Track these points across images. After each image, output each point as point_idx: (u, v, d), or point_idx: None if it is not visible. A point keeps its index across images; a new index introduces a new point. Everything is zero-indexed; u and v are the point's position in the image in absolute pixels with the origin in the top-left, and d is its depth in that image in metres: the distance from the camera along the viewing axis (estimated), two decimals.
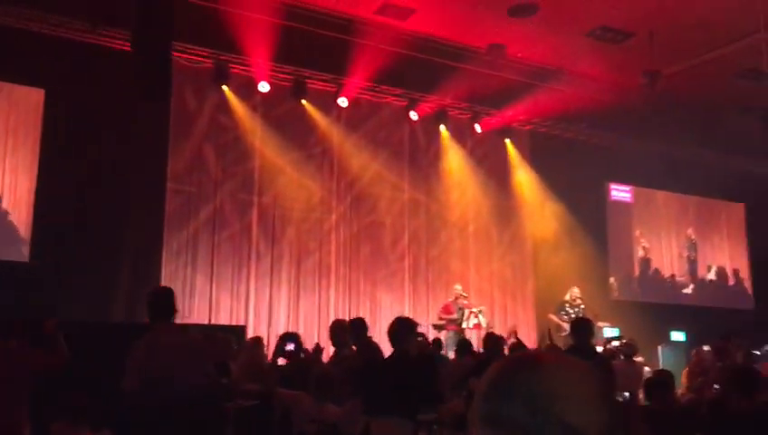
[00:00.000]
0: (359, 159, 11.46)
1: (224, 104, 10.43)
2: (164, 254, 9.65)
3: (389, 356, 5.11)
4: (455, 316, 10.40)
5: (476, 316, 10.33)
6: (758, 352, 9.96)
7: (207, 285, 9.98)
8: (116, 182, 9.05)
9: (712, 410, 4.88)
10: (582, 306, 11.41)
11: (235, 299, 10.18)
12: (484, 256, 12.35)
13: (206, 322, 9.53)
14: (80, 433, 4.26)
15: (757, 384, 4.39)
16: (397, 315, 10.96)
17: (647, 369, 8.97)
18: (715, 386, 7.02)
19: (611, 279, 13.53)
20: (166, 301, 4.18)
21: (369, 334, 6.64)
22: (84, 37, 9.32)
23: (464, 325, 10.31)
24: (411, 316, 11.24)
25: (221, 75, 10.25)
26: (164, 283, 9.55)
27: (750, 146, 12.17)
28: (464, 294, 10.71)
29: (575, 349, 5.65)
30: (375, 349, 6.45)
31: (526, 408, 0.91)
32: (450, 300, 10.75)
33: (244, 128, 10.52)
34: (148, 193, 9.45)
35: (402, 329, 4.83)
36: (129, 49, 8.21)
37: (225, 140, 10.49)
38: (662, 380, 4.82)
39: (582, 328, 5.92)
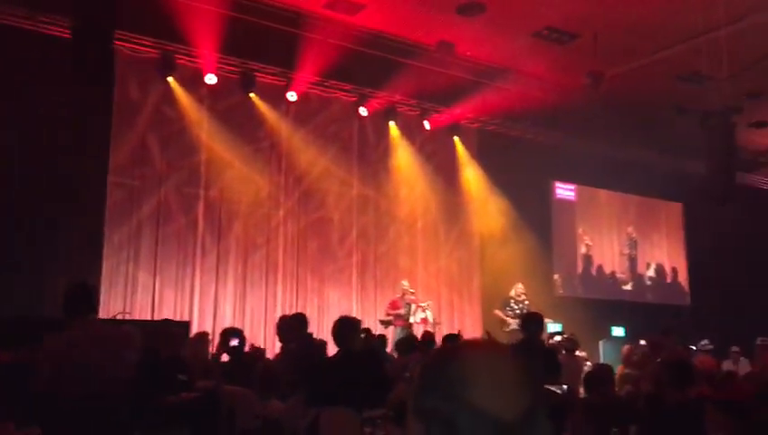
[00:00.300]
0: (307, 154, 11.38)
1: (169, 96, 10.21)
2: (105, 248, 9.41)
3: (334, 355, 5.10)
4: (402, 312, 10.45)
5: (423, 311, 10.41)
6: (694, 347, 10.30)
7: (150, 280, 9.77)
8: (56, 174, 8.78)
9: (648, 404, 5.02)
10: (527, 302, 11.60)
11: (180, 294, 10.00)
12: (432, 252, 12.44)
13: (148, 318, 9.34)
14: (5, 430, 4.12)
15: (690, 378, 4.53)
16: (344, 312, 11.00)
17: (588, 363, 9.18)
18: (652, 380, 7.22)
19: (555, 276, 13.80)
20: (83, 296, 4.07)
21: (310, 330, 6.63)
22: (23, 23, 8.99)
23: (411, 320, 10.37)
24: (359, 312, 11.40)
25: (166, 66, 10.04)
26: (105, 278, 9.34)
27: (688, 147, 12.56)
28: (411, 289, 10.76)
29: (525, 342, 5.74)
30: (316, 345, 6.45)
31: (443, 397, 0.91)
32: (397, 296, 10.80)
33: (190, 120, 10.33)
34: (88, 185, 9.21)
35: (345, 328, 4.85)
36: (69, 36, 7.96)
37: (170, 132, 10.27)
38: (601, 373, 4.94)
39: (533, 322, 6.01)
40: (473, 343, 1.01)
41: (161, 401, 4.60)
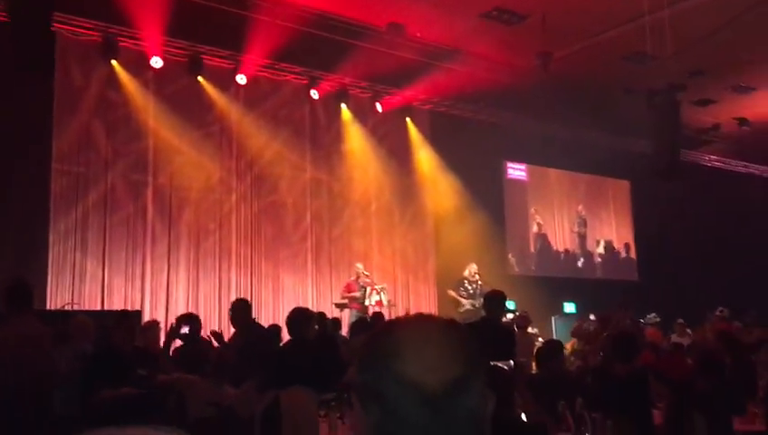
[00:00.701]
0: (258, 138, 11.25)
1: (113, 80, 9.96)
2: (50, 237, 9.17)
3: (288, 343, 5.11)
4: (357, 294, 10.45)
5: (378, 293, 10.43)
6: (643, 320, 10.60)
7: (99, 268, 9.57)
8: None
9: (595, 376, 5.16)
10: (480, 282, 11.74)
11: (130, 283, 9.82)
12: (386, 234, 12.47)
13: (97, 307, 9.16)
14: None
15: (636, 350, 4.67)
16: (299, 296, 11.00)
17: (540, 339, 9.36)
18: (601, 354, 7.42)
19: (509, 255, 13.98)
20: (19, 294, 4.05)
21: (266, 316, 6.63)
22: None
23: (366, 303, 10.39)
24: (314, 296, 11.38)
25: (109, 49, 9.77)
26: (51, 267, 9.12)
27: (635, 126, 12.83)
28: (365, 272, 10.77)
29: (486, 320, 5.81)
30: (263, 332, 6.46)
31: (374, 371, 0.92)
32: (352, 279, 10.81)
33: (136, 105, 10.09)
34: (31, 173, 8.94)
35: (298, 319, 4.86)
36: (6, 20, 7.68)
37: (115, 117, 10.03)
38: (549, 349, 5.05)
39: (494, 301, 6.07)
40: (408, 318, 1.02)
41: (105, 396, 4.53)
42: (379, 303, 10.38)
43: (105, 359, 4.67)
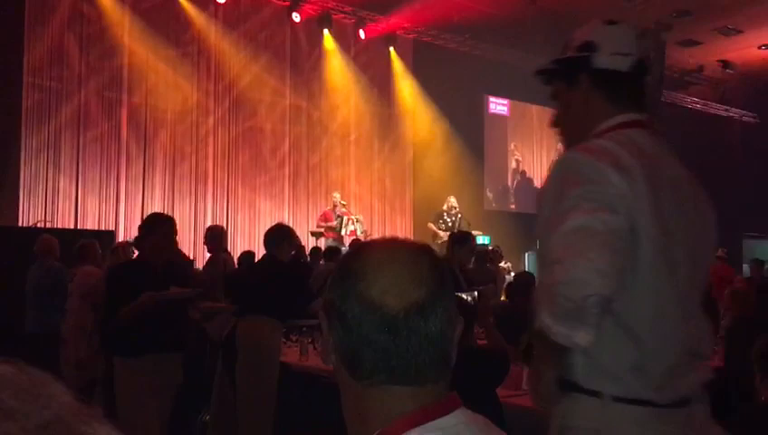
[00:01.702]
0: (238, 60, 11.01)
1: None
2: (22, 153, 8.99)
3: (258, 261, 5.09)
4: (333, 224, 10.46)
5: (354, 223, 10.45)
6: None
7: (72, 187, 9.44)
8: None
9: None
10: (459, 216, 11.81)
11: (104, 203, 9.72)
12: (365, 164, 12.42)
13: (71, 226, 9.09)
14: None
15: None
16: (276, 223, 10.96)
17: (512, 274, 9.50)
18: None
19: (487, 190, 14.04)
20: None
21: (241, 241, 6.62)
22: None
23: (342, 232, 10.42)
24: (291, 223, 11.32)
25: None
26: (23, 184, 8.98)
27: None
28: (342, 202, 10.76)
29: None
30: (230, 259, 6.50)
31: (341, 290, 0.92)
32: (329, 208, 10.79)
33: (111, 20, 9.76)
34: (1, 86, 8.68)
35: (274, 235, 4.81)
36: None
37: (89, 32, 9.71)
38: (520, 283, 5.11)
39: (457, 242, 6.04)
40: (378, 241, 1.01)
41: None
42: (353, 232, 10.40)
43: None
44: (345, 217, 10.49)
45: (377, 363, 0.89)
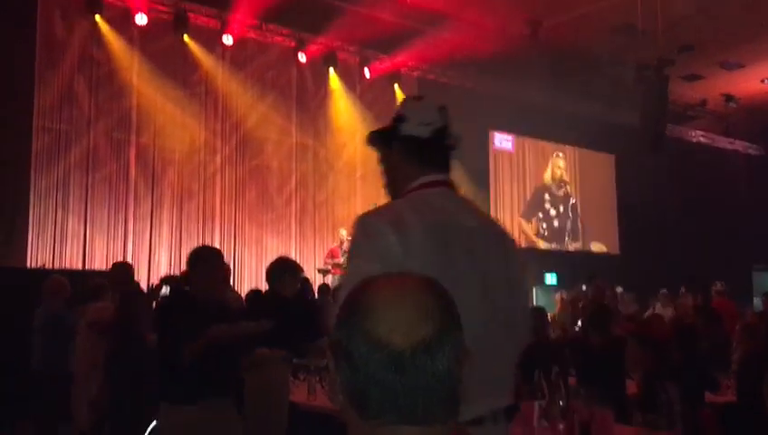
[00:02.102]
0: (245, 99, 11.14)
1: (97, 36, 9.76)
2: (31, 195, 9.07)
3: (261, 296, 5.04)
4: (340, 261, 10.44)
5: None
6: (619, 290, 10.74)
7: (81, 228, 9.49)
8: None
9: (572, 345, 5.23)
10: None
11: (112, 243, 9.76)
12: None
13: (79, 267, 9.12)
14: None
15: (609, 321, 4.72)
16: None
17: None
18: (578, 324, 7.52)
19: None
20: None
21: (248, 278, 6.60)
22: None
23: None
24: (298, 260, 11.31)
25: (92, 3, 9.54)
26: (32, 226, 9.03)
27: (622, 99, 12.82)
28: (349, 238, 10.74)
29: None
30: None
31: (346, 329, 0.92)
32: (335, 244, 10.79)
33: (120, 62, 9.92)
34: (12, 129, 8.79)
35: (274, 269, 4.73)
36: None
37: (98, 74, 9.86)
38: (533, 316, 5.08)
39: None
40: (384, 277, 0.99)
41: None
42: None
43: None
44: None
45: (384, 403, 0.88)
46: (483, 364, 1.57)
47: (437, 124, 1.93)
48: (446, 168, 1.97)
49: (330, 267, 10.43)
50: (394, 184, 1.97)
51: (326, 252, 10.96)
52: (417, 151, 1.90)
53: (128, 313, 4.83)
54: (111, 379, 4.72)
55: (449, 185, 1.95)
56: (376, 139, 2.04)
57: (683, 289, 10.57)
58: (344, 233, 10.77)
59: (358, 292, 0.96)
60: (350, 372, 0.90)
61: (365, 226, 1.76)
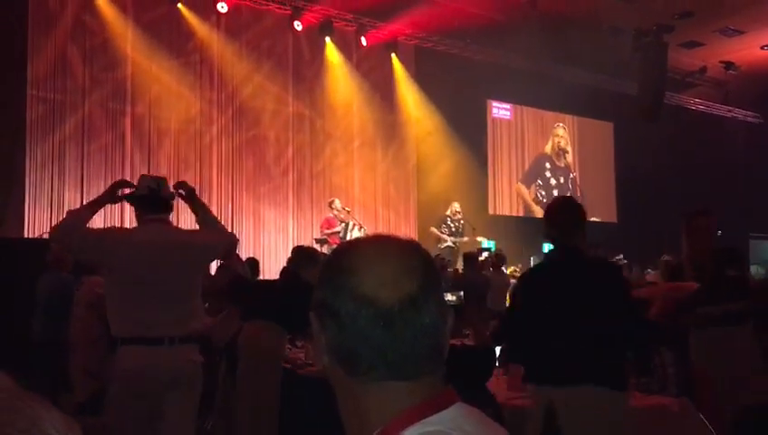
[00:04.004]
0: (240, 69, 11.05)
1: (90, 5, 9.66)
2: (27, 165, 9.04)
3: (281, 278, 5.07)
4: (337, 229, 10.45)
5: (360, 229, 10.43)
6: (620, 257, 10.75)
7: (77, 198, 9.46)
8: None
9: None
10: (462, 221, 11.82)
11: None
12: (369, 170, 12.43)
13: None
14: None
15: None
16: (280, 231, 10.94)
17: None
18: None
19: (491, 194, 14.03)
20: None
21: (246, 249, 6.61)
22: None
23: (347, 237, 10.38)
24: (295, 231, 11.35)
25: None
26: (28, 196, 9.02)
27: (621, 67, 12.73)
28: (345, 208, 10.75)
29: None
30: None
31: (331, 288, 0.92)
32: (331, 214, 10.78)
33: (114, 32, 9.82)
34: (6, 99, 8.73)
35: (304, 256, 4.82)
36: None
37: (92, 44, 9.77)
38: None
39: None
40: (367, 237, 1.01)
41: None
42: None
43: None
44: (351, 222, 10.47)
45: (374, 358, 0.88)
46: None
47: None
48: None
49: (327, 237, 10.44)
50: None
51: (322, 222, 10.95)
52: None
53: None
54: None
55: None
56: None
57: (664, 255, 10.54)
58: (338, 202, 10.75)
59: (340, 253, 0.97)
60: (337, 330, 0.90)
61: None
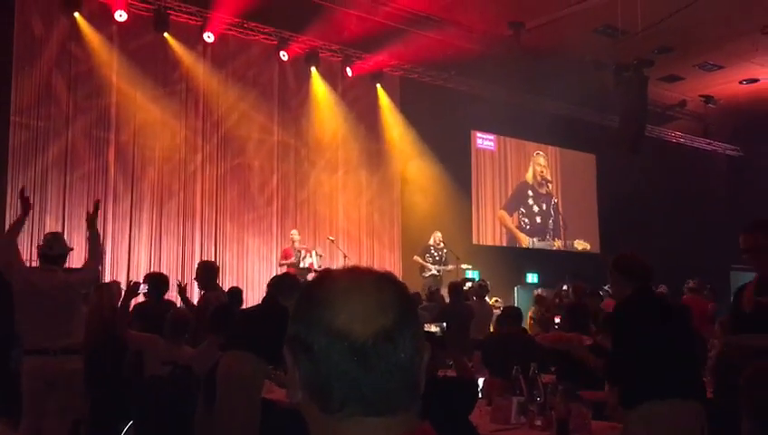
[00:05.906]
0: (226, 98, 11.08)
1: (75, 33, 9.66)
2: (8, 192, 8.96)
3: (259, 305, 5.07)
4: (293, 260, 10.38)
5: (311, 256, 10.39)
6: (601, 292, 10.76)
7: (59, 226, 9.37)
8: None
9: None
10: (445, 250, 11.83)
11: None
12: (353, 200, 12.44)
13: None
14: None
15: (587, 320, 4.75)
16: (263, 260, 10.88)
17: (499, 309, 9.48)
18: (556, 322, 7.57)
19: (475, 224, 14.08)
20: None
21: (229, 278, 6.61)
22: None
23: (301, 265, 10.32)
24: (278, 260, 11.25)
25: (72, 1, 9.45)
26: (9, 223, 8.90)
27: (602, 100, 12.91)
28: (298, 237, 10.66)
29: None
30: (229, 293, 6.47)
31: (304, 322, 0.91)
32: (288, 245, 10.70)
33: (99, 60, 9.82)
34: None
35: (285, 284, 4.85)
36: None
37: (77, 71, 9.76)
38: (507, 314, 5.12)
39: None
40: (341, 270, 1.00)
41: None
42: (311, 265, 10.32)
43: None
44: (303, 251, 10.45)
45: (347, 394, 0.87)
46: None
47: None
48: None
49: (285, 267, 10.31)
50: None
51: (280, 253, 10.85)
52: None
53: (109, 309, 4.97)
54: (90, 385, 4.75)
55: None
56: None
57: (693, 283, 10.52)
58: (295, 233, 10.70)
59: (314, 286, 0.96)
60: (311, 366, 0.89)
61: None
